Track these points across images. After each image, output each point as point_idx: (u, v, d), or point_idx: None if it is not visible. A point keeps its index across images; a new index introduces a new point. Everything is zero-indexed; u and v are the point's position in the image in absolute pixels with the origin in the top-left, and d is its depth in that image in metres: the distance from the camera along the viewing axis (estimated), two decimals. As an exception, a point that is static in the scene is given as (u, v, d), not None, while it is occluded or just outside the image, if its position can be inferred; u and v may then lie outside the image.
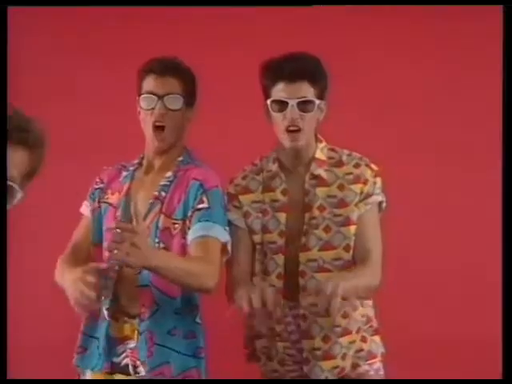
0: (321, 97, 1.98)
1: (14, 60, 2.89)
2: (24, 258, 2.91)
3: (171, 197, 1.95)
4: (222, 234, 1.91)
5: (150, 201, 1.95)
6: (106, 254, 1.89)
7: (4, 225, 2.52)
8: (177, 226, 1.92)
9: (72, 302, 1.80)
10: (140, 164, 2.08)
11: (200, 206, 1.91)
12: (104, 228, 2.01)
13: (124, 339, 1.92)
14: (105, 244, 1.98)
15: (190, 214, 1.91)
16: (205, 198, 1.91)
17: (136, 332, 1.91)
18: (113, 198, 2.03)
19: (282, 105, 1.94)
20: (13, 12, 2.78)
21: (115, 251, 1.62)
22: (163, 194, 1.95)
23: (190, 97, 2.02)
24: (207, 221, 1.89)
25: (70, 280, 1.82)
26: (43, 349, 2.84)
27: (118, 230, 1.63)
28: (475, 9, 2.80)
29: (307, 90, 1.94)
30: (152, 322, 1.89)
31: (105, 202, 2.04)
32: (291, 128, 1.94)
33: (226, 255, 1.94)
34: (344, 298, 1.71)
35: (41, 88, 2.97)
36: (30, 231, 2.93)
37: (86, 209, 2.09)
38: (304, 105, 1.94)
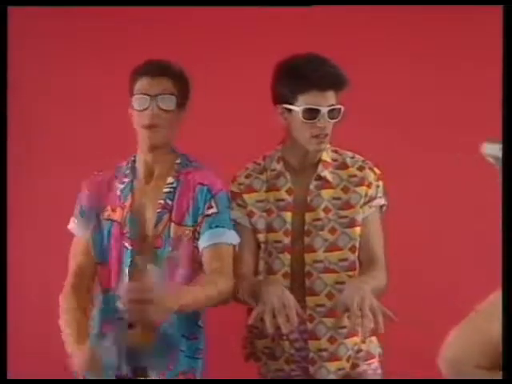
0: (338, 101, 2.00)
1: (14, 60, 2.88)
2: (25, 259, 2.91)
3: (179, 204, 1.94)
4: (233, 238, 1.94)
5: (158, 210, 1.94)
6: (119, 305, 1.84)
7: (5, 226, 2.52)
8: (187, 232, 1.92)
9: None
10: (133, 170, 2.02)
11: (209, 211, 1.92)
12: (110, 246, 1.97)
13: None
14: (112, 261, 1.96)
15: (199, 219, 1.92)
16: (213, 203, 1.93)
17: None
18: (115, 215, 1.98)
19: (314, 113, 1.94)
20: (13, 12, 2.78)
21: (133, 313, 1.58)
22: (169, 202, 1.95)
23: (182, 97, 1.99)
24: (217, 227, 1.91)
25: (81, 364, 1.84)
26: (43, 349, 2.84)
27: (130, 291, 1.58)
28: (475, 9, 2.80)
29: (333, 97, 1.96)
30: (168, 327, 1.88)
31: (106, 219, 1.99)
32: (321, 135, 1.95)
33: (234, 253, 1.96)
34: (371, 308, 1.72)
35: (41, 88, 2.98)
36: (30, 233, 2.93)
37: (75, 227, 2.04)
38: (333, 112, 1.96)
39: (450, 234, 2.85)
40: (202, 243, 1.90)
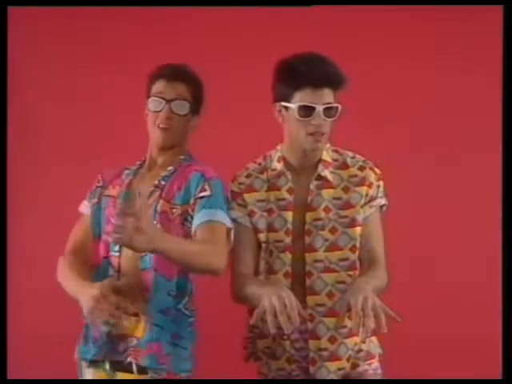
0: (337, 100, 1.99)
1: (14, 60, 2.89)
2: (24, 259, 2.91)
3: (171, 185, 2.00)
4: (226, 220, 1.94)
5: (151, 188, 1.99)
6: (107, 239, 1.90)
7: (4, 226, 2.52)
8: (175, 210, 1.96)
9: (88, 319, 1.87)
10: (141, 165, 2.12)
11: (202, 194, 1.95)
12: (104, 219, 2.03)
13: (125, 337, 1.93)
14: (104, 236, 2.01)
15: (192, 201, 1.95)
16: (207, 187, 1.96)
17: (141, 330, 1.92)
18: (113, 191, 2.07)
19: (308, 110, 1.94)
20: (13, 12, 2.78)
21: (116, 235, 1.62)
22: (163, 182, 2.01)
23: (196, 104, 2.08)
24: (211, 207, 1.92)
25: (86, 301, 1.84)
26: (43, 349, 2.84)
27: (123, 215, 1.62)
28: (475, 9, 2.80)
29: (330, 96, 1.95)
30: (151, 303, 1.92)
31: (105, 196, 2.07)
32: (317, 133, 1.96)
33: (229, 243, 1.95)
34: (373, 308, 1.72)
35: (41, 88, 2.98)
36: (30, 233, 2.93)
37: (84, 208, 2.12)
38: (329, 111, 1.95)
39: (451, 233, 2.85)
40: (195, 222, 1.92)
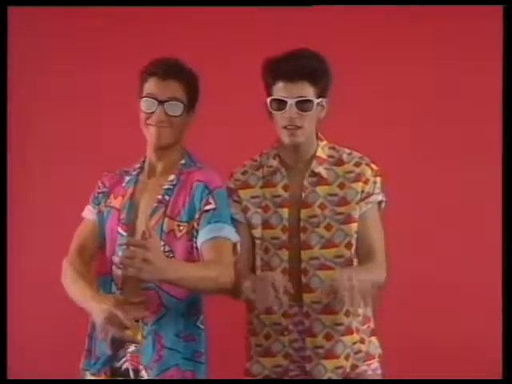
0: (322, 95, 1.99)
1: (14, 60, 2.89)
2: (24, 259, 2.91)
3: (175, 200, 1.95)
4: (233, 235, 1.92)
5: (154, 204, 1.94)
6: (114, 259, 1.88)
7: (5, 226, 2.52)
8: (182, 228, 1.92)
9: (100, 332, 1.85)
10: (142, 168, 2.07)
11: (207, 207, 1.91)
12: (107, 231, 2.00)
13: (124, 343, 1.91)
14: (108, 246, 1.98)
15: (197, 215, 1.91)
16: (211, 199, 1.91)
17: (140, 336, 1.90)
18: (116, 202, 2.02)
19: (280, 104, 1.96)
20: (13, 12, 2.78)
21: (128, 268, 1.60)
22: (167, 197, 1.95)
23: (191, 102, 2.00)
24: (216, 222, 1.89)
25: (97, 316, 1.83)
26: (43, 349, 2.84)
27: (129, 246, 1.61)
28: (475, 9, 2.80)
29: (307, 90, 1.95)
30: (160, 325, 1.89)
31: (108, 206, 2.03)
32: (289, 127, 1.96)
33: (235, 255, 1.94)
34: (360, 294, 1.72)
35: (41, 88, 2.98)
36: (30, 233, 2.93)
37: (88, 213, 2.08)
38: (302, 104, 1.95)
39: (451, 233, 2.85)
40: (201, 238, 1.89)
